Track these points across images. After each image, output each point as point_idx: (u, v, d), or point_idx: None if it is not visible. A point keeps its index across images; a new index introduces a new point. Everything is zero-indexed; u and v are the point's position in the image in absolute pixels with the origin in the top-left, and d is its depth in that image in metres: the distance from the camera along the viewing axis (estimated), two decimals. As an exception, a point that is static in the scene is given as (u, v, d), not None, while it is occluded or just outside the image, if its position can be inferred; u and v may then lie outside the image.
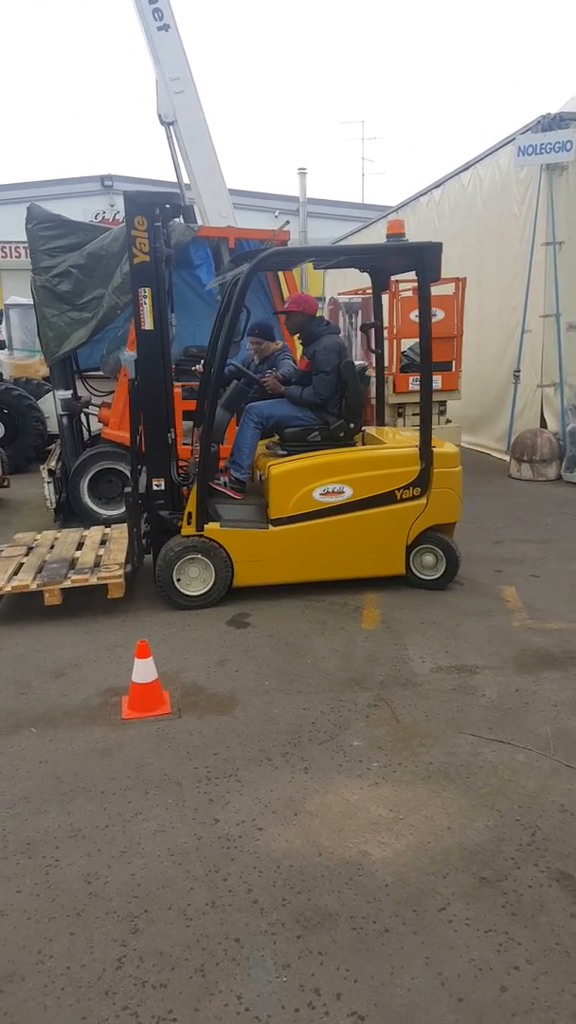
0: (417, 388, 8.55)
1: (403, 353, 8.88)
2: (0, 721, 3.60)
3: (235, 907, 2.38)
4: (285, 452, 5.21)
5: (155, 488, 5.02)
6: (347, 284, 11.74)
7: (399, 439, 5.49)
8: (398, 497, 5.07)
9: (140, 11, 8.78)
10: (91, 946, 2.25)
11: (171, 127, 8.97)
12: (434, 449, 5.13)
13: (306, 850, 2.63)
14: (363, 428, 5.65)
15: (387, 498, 5.06)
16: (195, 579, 4.97)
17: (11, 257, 20.35)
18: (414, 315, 8.51)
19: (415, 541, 5.16)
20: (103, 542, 5.62)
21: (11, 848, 2.69)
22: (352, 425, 5.31)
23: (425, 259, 4.98)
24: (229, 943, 2.25)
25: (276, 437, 5.45)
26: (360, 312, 8.48)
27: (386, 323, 8.68)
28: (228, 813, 2.85)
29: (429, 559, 5.26)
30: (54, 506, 7.16)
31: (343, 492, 5.01)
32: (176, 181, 9.27)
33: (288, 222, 7.90)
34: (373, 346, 6.13)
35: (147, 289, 4.79)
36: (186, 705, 3.71)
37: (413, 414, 8.75)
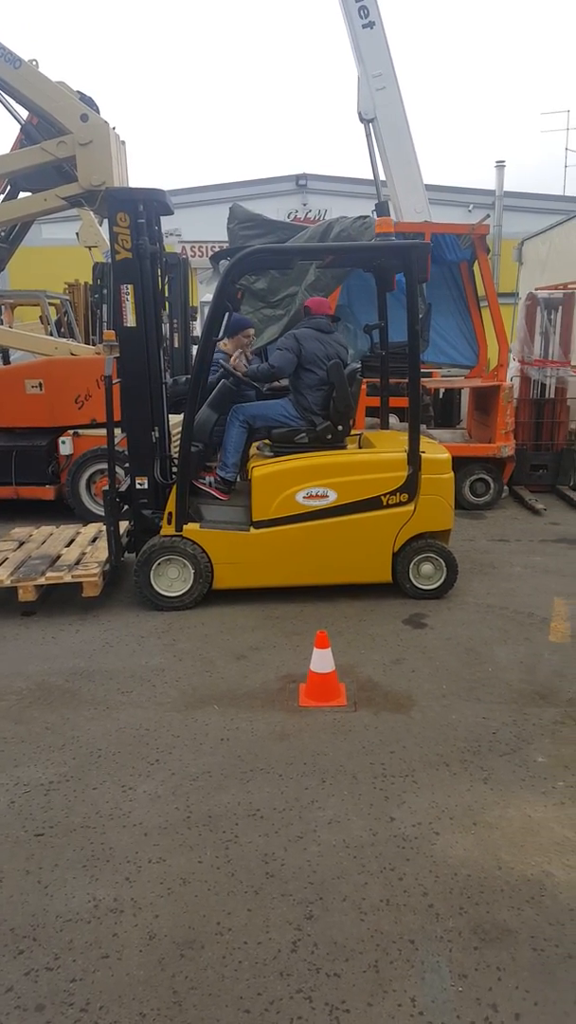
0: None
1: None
2: (187, 696, 3.79)
3: (410, 908, 2.35)
4: (272, 454, 5.07)
5: (138, 487, 4.97)
6: (545, 278, 11.21)
7: (392, 443, 5.15)
8: (384, 503, 4.86)
9: (345, 9, 8.86)
10: (267, 925, 2.30)
11: (371, 124, 8.99)
12: (423, 455, 4.87)
13: (485, 861, 2.54)
14: (362, 432, 5.42)
15: (373, 503, 4.87)
16: (175, 579, 4.90)
17: (205, 257, 21.33)
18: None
19: (405, 549, 4.95)
20: (94, 539, 5.56)
21: (194, 819, 2.81)
22: (340, 428, 5.09)
23: (412, 259, 4.73)
24: (403, 943, 2.21)
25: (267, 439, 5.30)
26: (561, 308, 8.04)
27: None
28: (404, 813, 2.81)
29: (428, 568, 5.00)
30: None
31: (327, 496, 4.85)
32: (372, 178, 9.29)
33: (488, 216, 7.64)
34: (380, 348, 5.79)
35: (129, 286, 4.71)
36: (362, 699, 3.71)
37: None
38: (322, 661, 3.70)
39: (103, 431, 7.09)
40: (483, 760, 3.15)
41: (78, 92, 7.23)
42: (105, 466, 7.02)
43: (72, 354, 7.50)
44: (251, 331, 5.97)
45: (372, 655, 4.21)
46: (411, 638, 4.43)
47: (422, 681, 3.89)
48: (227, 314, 4.98)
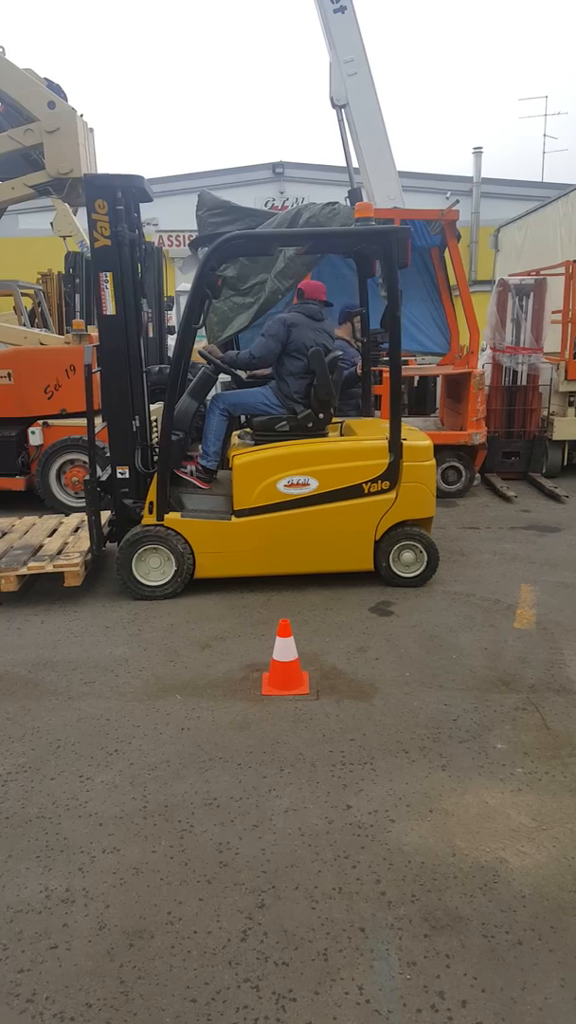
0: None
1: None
2: (149, 686, 3.76)
3: (362, 896, 2.34)
4: (254, 442, 5.04)
5: (119, 476, 4.93)
6: (520, 265, 11.20)
7: (374, 431, 5.13)
8: (366, 491, 4.86)
9: (317, -7, 8.74)
10: (218, 915, 2.29)
11: (343, 110, 8.91)
12: (404, 442, 4.86)
13: (439, 848, 2.54)
14: (344, 420, 5.47)
15: (354, 491, 4.86)
16: (155, 569, 4.88)
17: (183, 246, 21.14)
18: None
19: (387, 537, 4.93)
20: (76, 529, 5.54)
21: (150, 809, 2.79)
22: (321, 416, 5.06)
23: (392, 244, 4.72)
24: (354, 931, 2.21)
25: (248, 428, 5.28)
26: (533, 294, 8.04)
27: (560, 307, 8.23)
28: (361, 800, 2.81)
29: (408, 556, 5.00)
30: None
31: (308, 484, 4.83)
32: (346, 165, 9.23)
33: (458, 201, 7.59)
34: (359, 335, 5.79)
35: (108, 273, 4.66)
36: (324, 688, 3.70)
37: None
38: (285, 650, 3.69)
39: (73, 421, 7.07)
40: (442, 747, 3.16)
41: (45, 79, 7.13)
42: (75, 456, 6.98)
43: (41, 344, 7.41)
44: (362, 311, 5.87)
45: (337, 643, 4.20)
46: (376, 626, 4.43)
47: (385, 668, 3.89)
48: (207, 301, 4.92)
